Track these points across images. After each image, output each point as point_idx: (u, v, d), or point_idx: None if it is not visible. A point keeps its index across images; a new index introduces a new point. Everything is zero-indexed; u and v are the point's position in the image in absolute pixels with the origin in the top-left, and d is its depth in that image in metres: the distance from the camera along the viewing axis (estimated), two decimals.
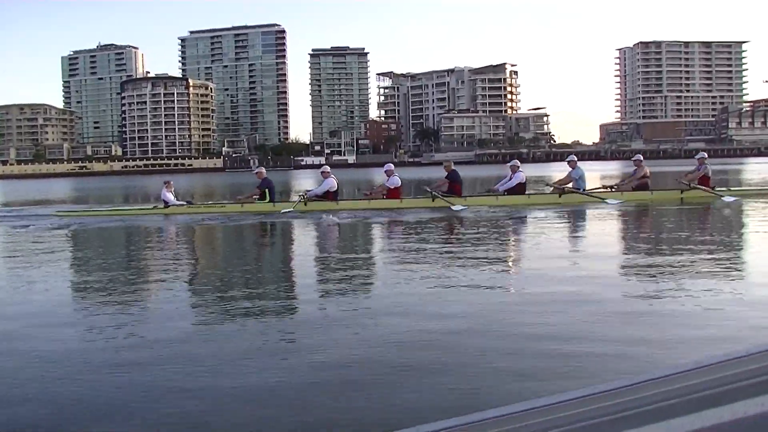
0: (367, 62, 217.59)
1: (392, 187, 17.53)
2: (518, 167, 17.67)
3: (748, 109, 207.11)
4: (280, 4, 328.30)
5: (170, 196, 18.09)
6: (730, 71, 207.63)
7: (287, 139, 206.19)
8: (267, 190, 17.68)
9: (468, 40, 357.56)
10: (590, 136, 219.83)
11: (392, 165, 18.17)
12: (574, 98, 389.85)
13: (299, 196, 17.78)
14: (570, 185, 17.55)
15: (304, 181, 47.72)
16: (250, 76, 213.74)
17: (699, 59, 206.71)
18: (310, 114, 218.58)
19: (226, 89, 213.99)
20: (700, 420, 0.72)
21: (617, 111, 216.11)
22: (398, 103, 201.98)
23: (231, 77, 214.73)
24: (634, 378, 0.84)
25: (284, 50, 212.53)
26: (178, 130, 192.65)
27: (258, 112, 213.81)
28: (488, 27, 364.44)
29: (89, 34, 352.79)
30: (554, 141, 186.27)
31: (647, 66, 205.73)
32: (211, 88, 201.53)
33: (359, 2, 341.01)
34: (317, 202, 17.38)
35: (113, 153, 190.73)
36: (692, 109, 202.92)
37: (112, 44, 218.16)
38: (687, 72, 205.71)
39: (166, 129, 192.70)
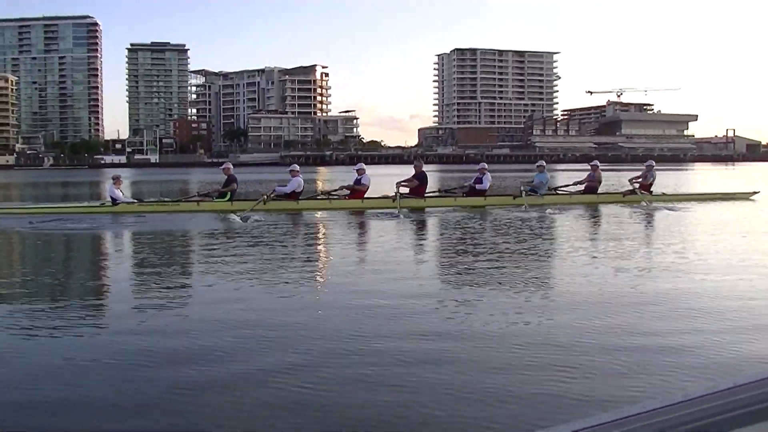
0: (187, 59, 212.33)
1: (363, 187, 18.05)
2: (486, 169, 19.05)
3: (562, 118, 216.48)
4: None
5: (119, 193, 17.16)
6: (542, 80, 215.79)
7: (98, 136, 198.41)
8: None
9: (283, 40, 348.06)
10: (412, 140, 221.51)
11: (363, 164, 18.75)
12: (400, 102, 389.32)
13: (264, 195, 17.41)
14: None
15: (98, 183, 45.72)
16: (61, 70, 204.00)
17: (512, 68, 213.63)
18: (127, 111, 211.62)
19: (35, 82, 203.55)
20: None
21: (435, 116, 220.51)
22: (209, 101, 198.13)
23: (40, 70, 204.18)
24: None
25: (96, 43, 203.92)
26: None
27: (68, 107, 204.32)
28: (305, 27, 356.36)
29: None
30: (362, 143, 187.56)
31: (462, 72, 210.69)
32: (12, 81, 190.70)
33: None
34: (278, 201, 17.35)
35: None
36: (504, 116, 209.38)
37: None
38: (501, 80, 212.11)
39: None
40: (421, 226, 14.81)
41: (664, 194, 20.37)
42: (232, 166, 18.30)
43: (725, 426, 0.83)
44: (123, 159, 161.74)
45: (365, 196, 18.19)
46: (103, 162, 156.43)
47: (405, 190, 18.41)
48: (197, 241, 12.40)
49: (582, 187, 20.06)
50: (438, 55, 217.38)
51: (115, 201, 17.06)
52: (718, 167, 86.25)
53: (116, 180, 17.50)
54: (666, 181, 34.05)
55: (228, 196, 17.41)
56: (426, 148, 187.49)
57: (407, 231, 13.80)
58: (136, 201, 17.79)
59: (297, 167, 18.16)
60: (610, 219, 15.39)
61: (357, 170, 18.58)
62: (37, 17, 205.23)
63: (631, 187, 19.67)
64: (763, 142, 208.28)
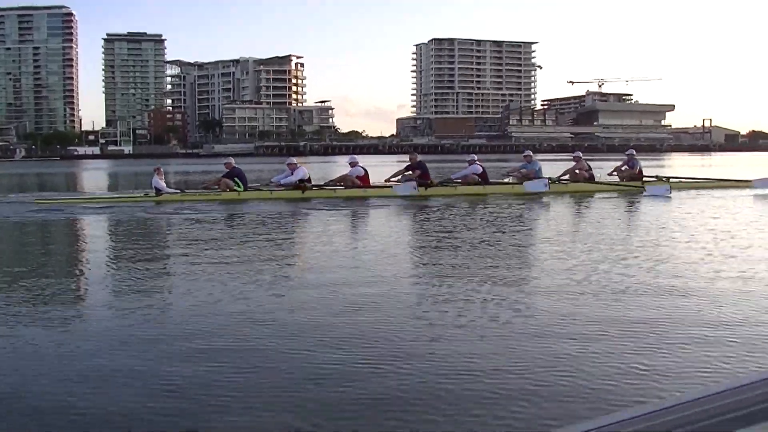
0: (163, 49, 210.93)
1: (357, 176, 18.01)
2: (475, 160, 18.88)
3: (541, 108, 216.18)
4: None
5: (162, 183, 17.69)
6: (520, 70, 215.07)
7: (73, 127, 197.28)
8: (237, 180, 17.80)
9: (259, 30, 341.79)
10: (391, 130, 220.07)
11: (356, 157, 19.02)
12: (387, 92, 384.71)
13: (303, 184, 17.91)
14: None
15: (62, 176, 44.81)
16: (35, 60, 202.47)
17: (490, 58, 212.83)
18: (104, 101, 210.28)
19: (9, 73, 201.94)
20: None
21: (413, 106, 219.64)
22: (185, 92, 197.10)
23: (14, 60, 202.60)
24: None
25: (72, 34, 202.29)
26: None
27: (43, 98, 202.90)
28: (285, 17, 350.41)
29: None
30: (338, 133, 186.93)
31: (440, 62, 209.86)
32: None
33: None
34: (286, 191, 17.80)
35: None
36: (482, 106, 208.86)
37: None
38: (478, 70, 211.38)
39: None
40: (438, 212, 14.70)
41: (668, 178, 20.50)
42: (233, 160, 18.69)
43: (728, 426, 0.83)
44: (96, 150, 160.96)
45: (371, 184, 18.24)
46: (76, 153, 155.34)
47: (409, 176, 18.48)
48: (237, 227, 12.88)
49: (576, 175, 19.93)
50: (416, 45, 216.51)
51: (159, 191, 17.48)
52: (695, 157, 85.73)
53: (158, 171, 17.82)
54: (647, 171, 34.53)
55: (242, 187, 17.86)
56: (403, 138, 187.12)
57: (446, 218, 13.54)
58: (179, 191, 18.38)
59: (294, 160, 18.77)
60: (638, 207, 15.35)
61: (350, 163, 18.46)
62: (11, 7, 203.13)
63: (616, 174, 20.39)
64: (743, 132, 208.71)
